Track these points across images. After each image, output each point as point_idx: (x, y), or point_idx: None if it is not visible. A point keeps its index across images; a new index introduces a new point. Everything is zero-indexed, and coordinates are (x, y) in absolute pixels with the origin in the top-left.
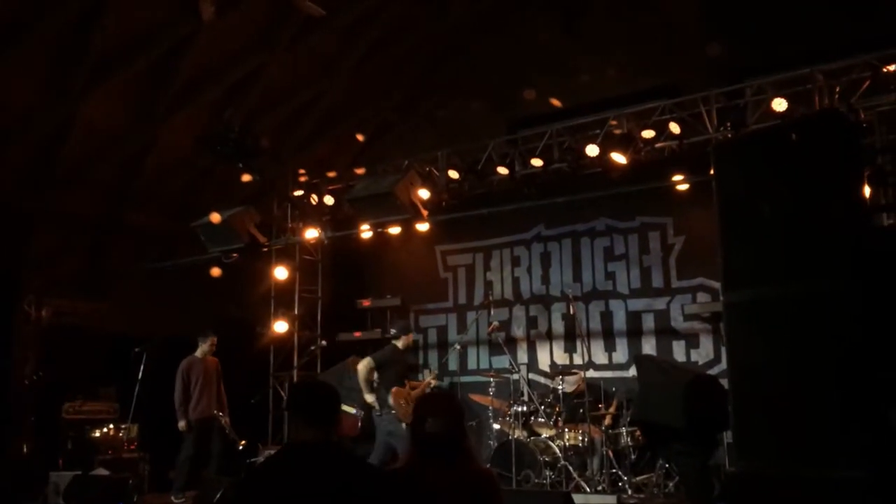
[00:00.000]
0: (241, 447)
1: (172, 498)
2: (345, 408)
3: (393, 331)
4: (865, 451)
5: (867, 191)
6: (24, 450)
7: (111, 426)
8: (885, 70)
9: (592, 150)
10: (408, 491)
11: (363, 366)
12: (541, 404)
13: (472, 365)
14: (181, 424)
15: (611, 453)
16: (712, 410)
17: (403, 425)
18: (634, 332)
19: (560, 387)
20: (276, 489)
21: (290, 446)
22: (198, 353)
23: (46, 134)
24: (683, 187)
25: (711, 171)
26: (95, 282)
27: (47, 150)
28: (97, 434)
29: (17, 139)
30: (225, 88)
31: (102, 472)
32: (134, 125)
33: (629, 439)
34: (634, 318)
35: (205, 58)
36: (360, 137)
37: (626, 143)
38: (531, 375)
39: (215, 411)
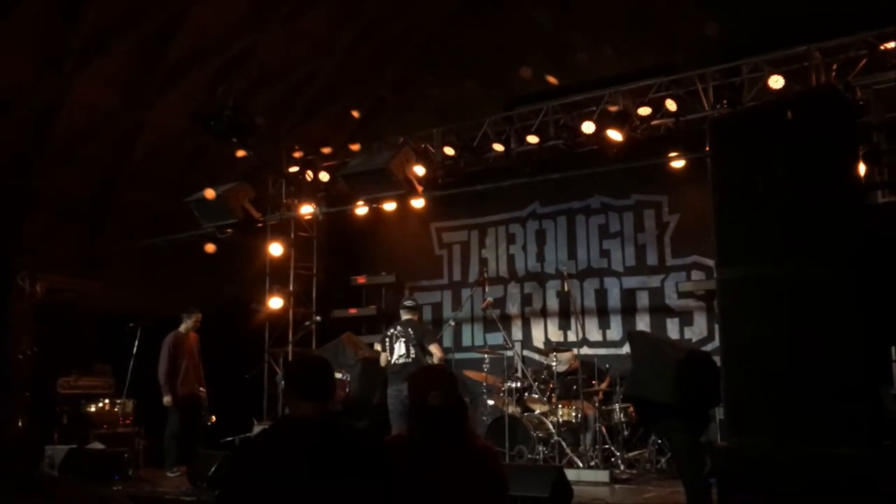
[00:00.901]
0: (209, 423)
1: (167, 473)
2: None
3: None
4: (857, 427)
5: (863, 168)
6: (20, 424)
7: (106, 401)
8: (882, 48)
9: (588, 128)
10: (407, 463)
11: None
12: (535, 381)
13: (466, 342)
14: (167, 399)
15: (604, 429)
16: (704, 386)
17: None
18: (629, 310)
19: (554, 364)
20: (271, 462)
21: (285, 419)
22: (181, 329)
23: (38, 111)
24: (679, 165)
25: (707, 148)
26: (89, 260)
27: (39, 128)
28: (92, 409)
29: (8, 117)
30: (218, 66)
31: (98, 446)
32: (127, 103)
33: (622, 416)
34: (629, 296)
35: (198, 35)
36: (355, 114)
37: (622, 120)
38: (525, 352)
39: (200, 388)
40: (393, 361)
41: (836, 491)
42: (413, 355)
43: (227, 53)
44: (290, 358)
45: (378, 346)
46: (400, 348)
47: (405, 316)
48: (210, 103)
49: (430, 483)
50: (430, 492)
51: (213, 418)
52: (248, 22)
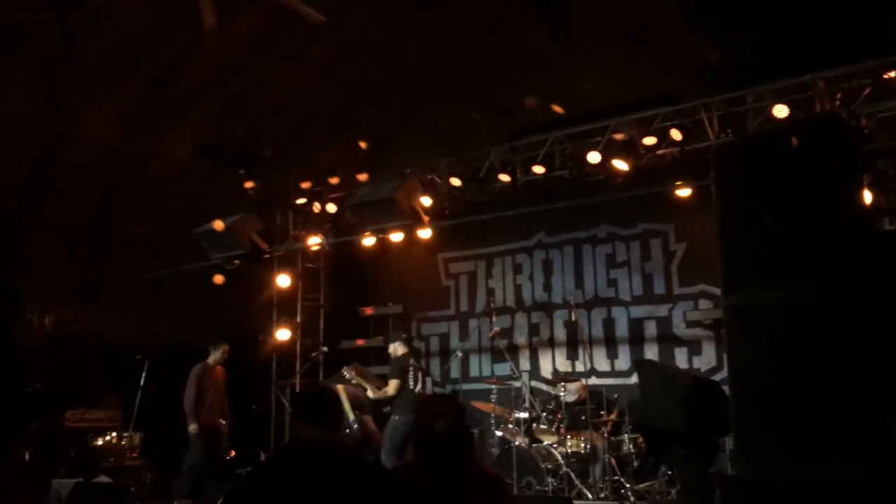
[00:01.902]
0: (229, 457)
1: (174, 502)
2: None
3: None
4: (865, 454)
5: (868, 196)
6: (26, 457)
7: (113, 434)
8: (885, 76)
9: (594, 157)
10: (412, 490)
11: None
12: (543, 411)
13: (474, 372)
14: (192, 427)
15: (613, 460)
16: (713, 415)
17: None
18: (636, 339)
19: (562, 394)
20: (276, 485)
21: (290, 444)
22: (210, 361)
23: (45, 144)
24: (685, 194)
25: (712, 176)
26: (97, 291)
27: (47, 160)
28: (99, 442)
29: (15, 149)
30: (226, 98)
31: (104, 479)
32: (135, 135)
33: (631, 446)
34: (636, 325)
35: (206, 67)
36: (362, 145)
37: (628, 149)
38: (533, 382)
39: (223, 420)
40: (415, 390)
41: None
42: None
43: (234, 86)
44: (297, 389)
45: (395, 379)
46: (414, 379)
47: (408, 348)
48: (218, 135)
49: None
50: None
51: (233, 452)
52: (255, 55)
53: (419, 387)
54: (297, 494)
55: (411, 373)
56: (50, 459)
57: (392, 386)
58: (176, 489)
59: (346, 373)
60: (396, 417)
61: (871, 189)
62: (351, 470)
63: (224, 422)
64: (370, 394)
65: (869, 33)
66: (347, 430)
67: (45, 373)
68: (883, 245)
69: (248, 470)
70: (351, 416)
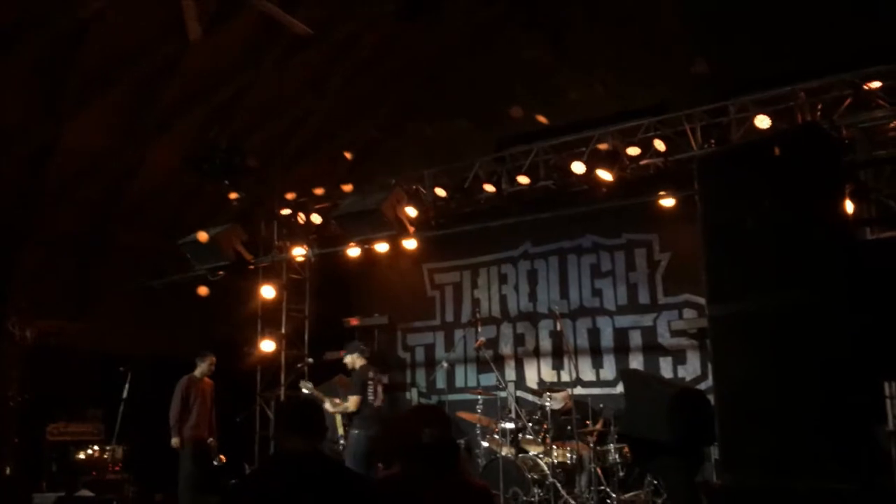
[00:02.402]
0: (219, 463)
1: None
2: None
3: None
4: (852, 463)
5: (850, 205)
6: (7, 472)
7: (96, 447)
8: (865, 87)
9: (578, 168)
10: (398, 501)
11: None
12: (528, 421)
13: (459, 383)
14: (175, 441)
15: (599, 470)
16: (698, 424)
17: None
18: (621, 349)
19: (548, 402)
20: (265, 496)
21: (275, 455)
22: (196, 373)
23: (32, 153)
24: (669, 204)
25: (695, 186)
26: (81, 301)
27: (33, 169)
28: (82, 455)
29: (2, 158)
30: (211, 108)
31: (86, 493)
32: (121, 144)
33: (617, 456)
34: (621, 335)
35: (191, 77)
36: (348, 156)
37: (612, 160)
38: (519, 393)
39: (209, 435)
40: (375, 404)
41: None
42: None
43: (219, 96)
44: (281, 401)
45: (357, 395)
46: (374, 392)
47: (366, 360)
48: (203, 145)
49: None
50: None
51: (223, 458)
52: (240, 65)
53: (378, 400)
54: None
55: (371, 386)
56: (31, 473)
57: (353, 402)
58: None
59: (304, 386)
60: (357, 432)
61: (852, 199)
62: (338, 480)
63: (212, 439)
64: (328, 407)
65: (849, 45)
66: (340, 446)
67: (26, 385)
68: (865, 255)
69: (235, 482)
70: (341, 431)
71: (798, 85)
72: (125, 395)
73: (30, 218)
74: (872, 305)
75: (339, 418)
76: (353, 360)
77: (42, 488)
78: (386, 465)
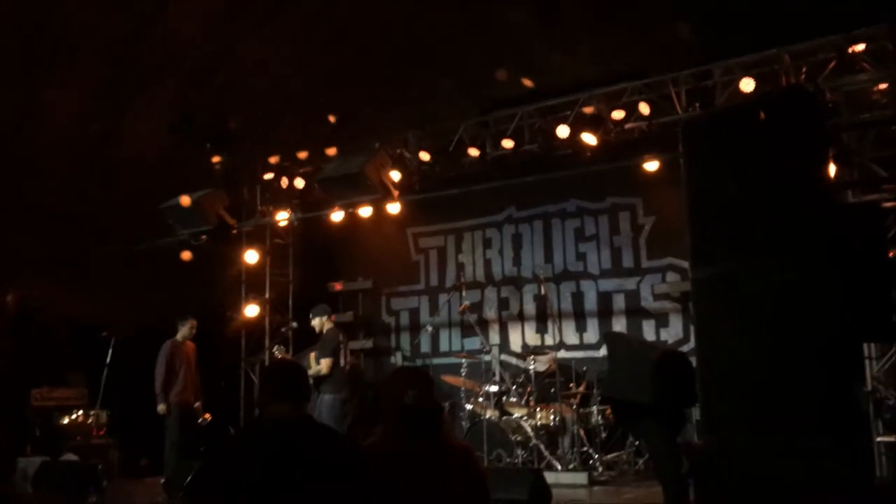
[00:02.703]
0: (204, 421)
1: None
2: None
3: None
4: (830, 422)
5: (833, 169)
6: None
7: (80, 412)
8: (850, 51)
9: (563, 132)
10: (383, 462)
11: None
12: (512, 384)
13: (444, 347)
14: (161, 408)
15: (582, 432)
16: (680, 386)
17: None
18: (605, 313)
19: (532, 365)
20: (248, 462)
21: (261, 420)
22: (178, 337)
23: (6, 121)
24: (653, 168)
25: (680, 149)
26: (62, 268)
27: (9, 137)
28: (66, 421)
29: None
30: (191, 71)
31: (71, 457)
32: (98, 109)
33: (600, 418)
34: (605, 299)
35: (169, 40)
36: (331, 118)
37: (597, 124)
38: (503, 356)
39: (195, 399)
40: (344, 367)
41: (808, 485)
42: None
43: (199, 59)
44: (266, 366)
45: (329, 357)
46: (344, 356)
47: (333, 323)
48: (183, 109)
49: (409, 484)
50: (409, 493)
51: (209, 416)
52: (219, 27)
53: (345, 362)
54: (271, 469)
55: (341, 349)
56: (15, 438)
57: (325, 364)
58: (166, 470)
59: (277, 352)
60: (328, 396)
61: (835, 163)
62: (325, 443)
63: (199, 402)
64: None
65: (834, 7)
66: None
67: (8, 352)
68: (847, 218)
69: (218, 446)
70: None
71: (783, 48)
72: (108, 360)
73: (8, 186)
74: (853, 268)
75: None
76: (321, 322)
77: (27, 452)
78: (364, 428)
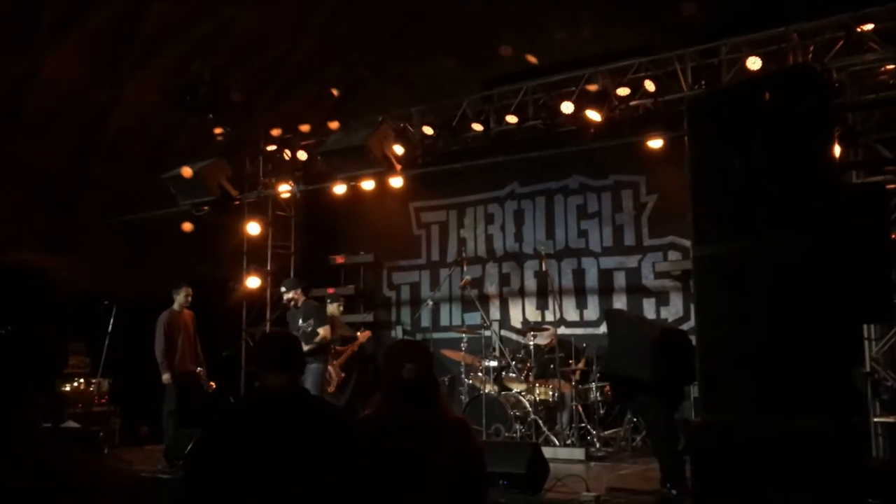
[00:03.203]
0: (209, 390)
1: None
2: None
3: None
4: (829, 402)
5: (838, 149)
6: None
7: (81, 380)
8: (858, 30)
9: (567, 108)
10: (379, 435)
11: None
12: (512, 360)
13: (444, 321)
14: (165, 377)
15: (580, 408)
16: (679, 363)
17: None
18: (606, 290)
19: (532, 341)
20: (245, 433)
21: (257, 391)
22: (175, 306)
23: (8, 89)
24: (657, 146)
25: (685, 127)
26: (63, 237)
27: (10, 105)
28: (67, 388)
29: None
30: (193, 41)
31: (73, 425)
32: (100, 78)
33: (598, 395)
34: (606, 276)
35: (172, 9)
36: (335, 92)
37: (601, 100)
38: (503, 332)
39: (196, 366)
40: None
41: (805, 464)
42: None
43: (201, 29)
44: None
45: (327, 325)
46: None
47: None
48: (186, 79)
49: (404, 454)
50: (406, 465)
51: (213, 385)
52: None
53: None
54: (269, 441)
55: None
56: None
57: (326, 331)
58: (165, 438)
59: None
60: (314, 365)
61: (840, 143)
62: (321, 414)
63: (201, 368)
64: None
65: None
66: None
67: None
68: (852, 198)
69: (217, 416)
70: None
71: (791, 26)
72: (110, 329)
73: (8, 154)
74: (855, 249)
75: None
76: (297, 294)
77: None
78: (363, 401)
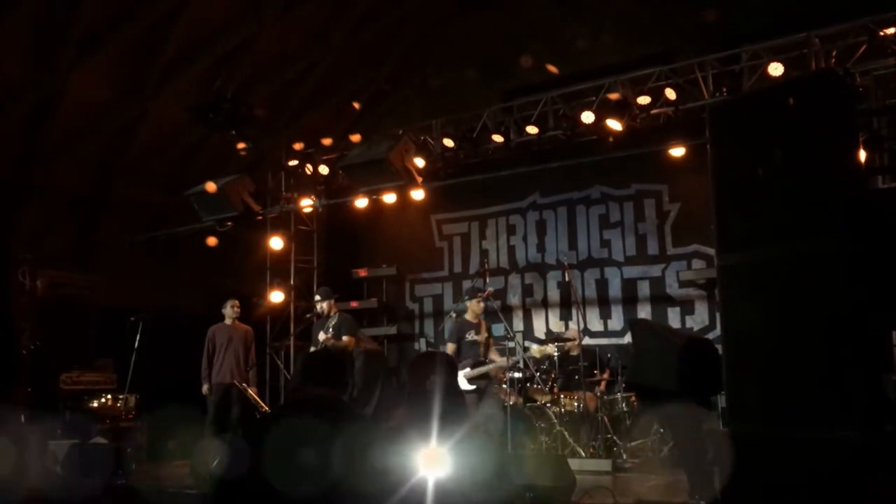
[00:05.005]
0: (254, 401)
1: None
2: None
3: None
4: (859, 412)
5: (863, 154)
6: (22, 419)
7: (109, 396)
8: (881, 34)
9: (588, 117)
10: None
11: None
12: (536, 371)
13: None
14: (204, 388)
15: (606, 419)
16: (706, 373)
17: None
18: (629, 300)
19: (556, 352)
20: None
21: (290, 401)
22: (226, 320)
23: (35, 106)
24: (679, 154)
25: (707, 134)
26: (88, 255)
27: (36, 123)
28: (94, 404)
29: (5, 112)
30: (216, 59)
31: (100, 440)
32: (124, 96)
33: (624, 405)
34: (629, 286)
35: (195, 28)
36: (356, 105)
37: (622, 109)
38: (527, 343)
39: (234, 379)
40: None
41: (836, 475)
42: None
43: (224, 46)
44: (292, 351)
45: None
46: None
47: None
48: (208, 96)
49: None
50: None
51: (265, 408)
52: (244, 14)
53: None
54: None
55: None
56: (45, 421)
57: (350, 340)
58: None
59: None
60: None
61: (865, 148)
62: (352, 421)
63: (238, 382)
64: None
65: None
66: None
67: (38, 335)
68: (878, 203)
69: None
70: None
71: (812, 31)
72: (137, 344)
73: (34, 172)
74: (882, 255)
75: None
76: (330, 305)
77: (57, 435)
78: (387, 412)
